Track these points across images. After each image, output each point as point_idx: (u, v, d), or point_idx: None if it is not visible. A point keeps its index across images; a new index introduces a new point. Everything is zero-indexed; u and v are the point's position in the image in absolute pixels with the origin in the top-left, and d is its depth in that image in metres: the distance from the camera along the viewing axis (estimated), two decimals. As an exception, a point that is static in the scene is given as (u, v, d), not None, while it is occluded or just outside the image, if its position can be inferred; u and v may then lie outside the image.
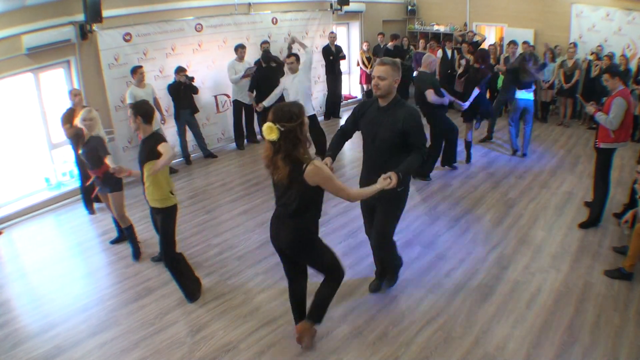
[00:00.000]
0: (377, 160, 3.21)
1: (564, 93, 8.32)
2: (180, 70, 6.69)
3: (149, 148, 3.48)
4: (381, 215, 3.37)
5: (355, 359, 3.13)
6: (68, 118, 5.27)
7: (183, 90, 6.75)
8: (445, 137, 6.18)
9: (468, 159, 6.72)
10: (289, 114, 2.55)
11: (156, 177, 3.46)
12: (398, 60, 3.23)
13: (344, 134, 3.45)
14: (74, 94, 5.33)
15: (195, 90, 6.89)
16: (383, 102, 3.16)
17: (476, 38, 9.61)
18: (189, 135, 7.26)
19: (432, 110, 5.83)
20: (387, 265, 3.77)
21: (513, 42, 7.75)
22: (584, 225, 4.74)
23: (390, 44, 9.68)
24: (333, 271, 3.02)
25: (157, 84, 6.76)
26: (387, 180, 2.84)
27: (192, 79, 6.82)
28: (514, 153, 6.96)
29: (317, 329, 3.25)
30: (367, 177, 3.21)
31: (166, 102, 6.92)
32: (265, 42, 7.73)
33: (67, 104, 5.40)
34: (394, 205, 3.34)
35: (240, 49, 7.25)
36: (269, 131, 2.52)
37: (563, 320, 3.39)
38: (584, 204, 5.21)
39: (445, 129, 6.07)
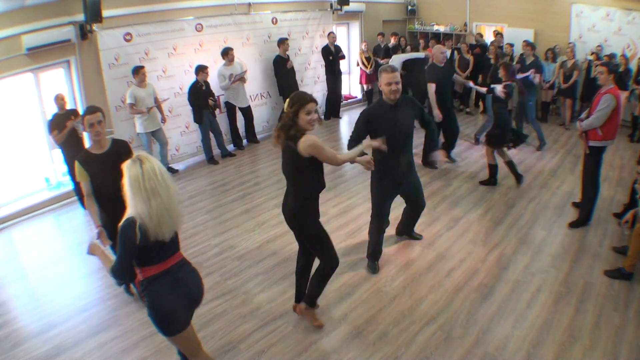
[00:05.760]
0: (399, 149, 3.70)
1: (562, 93, 8.34)
2: (200, 69, 6.72)
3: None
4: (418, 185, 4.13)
5: (355, 359, 3.13)
6: (56, 124, 5.28)
7: (204, 91, 6.79)
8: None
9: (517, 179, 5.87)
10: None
11: None
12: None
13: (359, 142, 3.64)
14: (59, 98, 5.36)
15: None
16: (393, 102, 3.64)
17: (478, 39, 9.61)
18: (196, 136, 7.29)
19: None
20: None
21: (530, 45, 7.80)
22: (573, 225, 4.75)
23: (391, 43, 9.68)
24: (326, 259, 3.20)
25: (160, 84, 6.77)
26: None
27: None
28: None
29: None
30: (388, 168, 3.74)
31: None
32: (285, 39, 7.99)
33: (54, 109, 5.42)
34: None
35: (230, 51, 7.17)
36: None
37: (563, 320, 3.39)
38: (572, 204, 5.22)
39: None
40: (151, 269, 2.32)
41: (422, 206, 4.27)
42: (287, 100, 2.90)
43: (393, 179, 3.83)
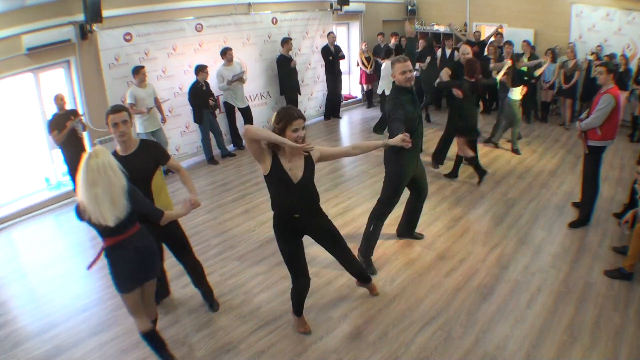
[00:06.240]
0: (419, 130, 3.97)
1: (563, 93, 8.34)
2: (200, 69, 6.72)
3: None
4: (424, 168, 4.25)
5: (355, 359, 3.13)
6: (55, 124, 5.27)
7: (204, 91, 6.79)
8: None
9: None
10: None
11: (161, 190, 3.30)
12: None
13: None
14: (59, 98, 5.37)
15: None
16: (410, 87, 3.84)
17: (469, 37, 9.61)
18: (196, 136, 7.29)
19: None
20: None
21: (509, 43, 7.84)
22: (573, 225, 4.75)
23: (391, 43, 9.67)
24: (292, 278, 3.20)
25: (160, 84, 6.77)
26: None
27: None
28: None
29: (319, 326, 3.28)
30: (414, 155, 3.94)
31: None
32: (289, 39, 8.07)
33: (54, 109, 5.43)
34: None
35: (228, 51, 7.16)
36: None
37: (563, 320, 3.39)
38: (572, 204, 5.22)
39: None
40: (110, 240, 2.69)
41: (425, 194, 4.34)
42: (274, 114, 2.82)
43: (413, 159, 3.97)
